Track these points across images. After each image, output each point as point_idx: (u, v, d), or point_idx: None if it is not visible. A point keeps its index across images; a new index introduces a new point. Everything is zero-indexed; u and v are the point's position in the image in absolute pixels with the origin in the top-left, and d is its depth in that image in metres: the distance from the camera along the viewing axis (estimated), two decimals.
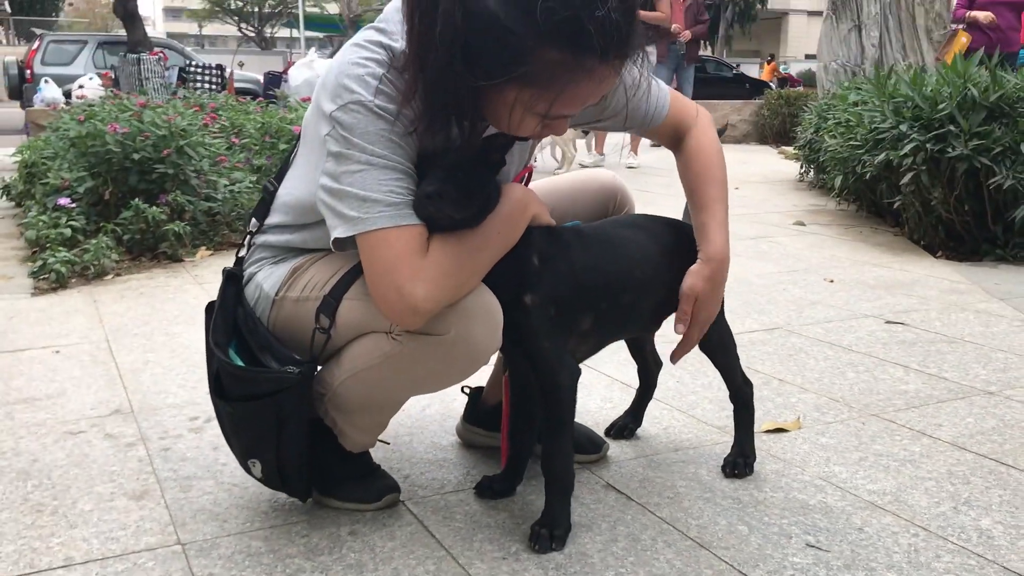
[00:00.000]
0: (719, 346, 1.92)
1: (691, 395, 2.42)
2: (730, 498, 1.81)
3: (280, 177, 1.72)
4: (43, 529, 1.67)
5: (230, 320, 1.68)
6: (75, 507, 1.76)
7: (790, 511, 1.75)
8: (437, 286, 1.45)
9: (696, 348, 1.81)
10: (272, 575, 1.52)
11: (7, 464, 1.96)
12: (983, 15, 6.92)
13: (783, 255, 4.43)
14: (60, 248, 3.93)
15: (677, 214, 1.95)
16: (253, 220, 1.74)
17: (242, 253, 1.74)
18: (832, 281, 3.86)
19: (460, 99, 1.39)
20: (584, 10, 1.28)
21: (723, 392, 1.99)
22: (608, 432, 2.11)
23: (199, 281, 3.78)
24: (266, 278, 1.70)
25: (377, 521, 1.70)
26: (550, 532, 1.60)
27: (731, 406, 1.97)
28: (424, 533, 1.66)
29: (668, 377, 2.46)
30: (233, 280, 1.72)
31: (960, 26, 6.98)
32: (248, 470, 1.69)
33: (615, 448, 2.05)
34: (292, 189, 1.66)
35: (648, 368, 2.12)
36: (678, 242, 1.80)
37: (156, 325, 3.11)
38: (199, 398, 2.38)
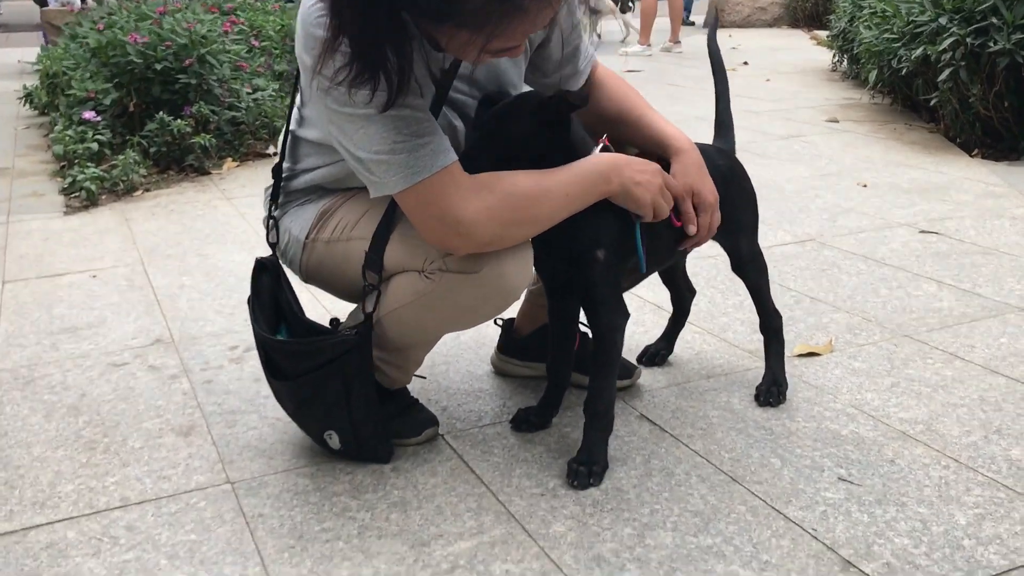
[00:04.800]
0: (750, 260, 1.92)
1: (722, 316, 2.43)
2: (763, 428, 1.84)
3: (288, 116, 1.72)
4: (98, 468, 1.74)
5: (271, 310, 1.72)
6: (126, 444, 1.82)
7: (822, 442, 1.78)
8: (480, 215, 1.46)
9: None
10: (320, 513, 1.57)
11: (57, 399, 2.02)
12: None
13: (815, 156, 4.36)
14: (88, 164, 3.94)
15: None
16: (272, 205, 1.76)
17: (272, 239, 1.77)
18: (865, 186, 3.80)
19: (388, 41, 1.33)
20: None
21: (753, 314, 2.00)
22: (640, 359, 2.14)
23: (227, 196, 3.79)
24: (293, 221, 1.72)
25: (419, 456, 1.75)
26: (588, 469, 1.65)
27: None
28: (464, 469, 1.71)
29: (699, 297, 2.47)
30: (264, 269, 1.74)
31: None
32: (325, 444, 1.72)
33: (648, 376, 2.08)
34: (311, 132, 1.66)
35: (681, 295, 2.13)
36: (717, 165, 1.80)
37: (188, 245, 3.14)
38: (236, 326, 2.42)
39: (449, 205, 1.45)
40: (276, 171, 1.72)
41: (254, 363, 2.18)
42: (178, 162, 4.24)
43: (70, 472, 1.72)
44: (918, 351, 2.19)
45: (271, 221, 1.73)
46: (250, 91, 4.62)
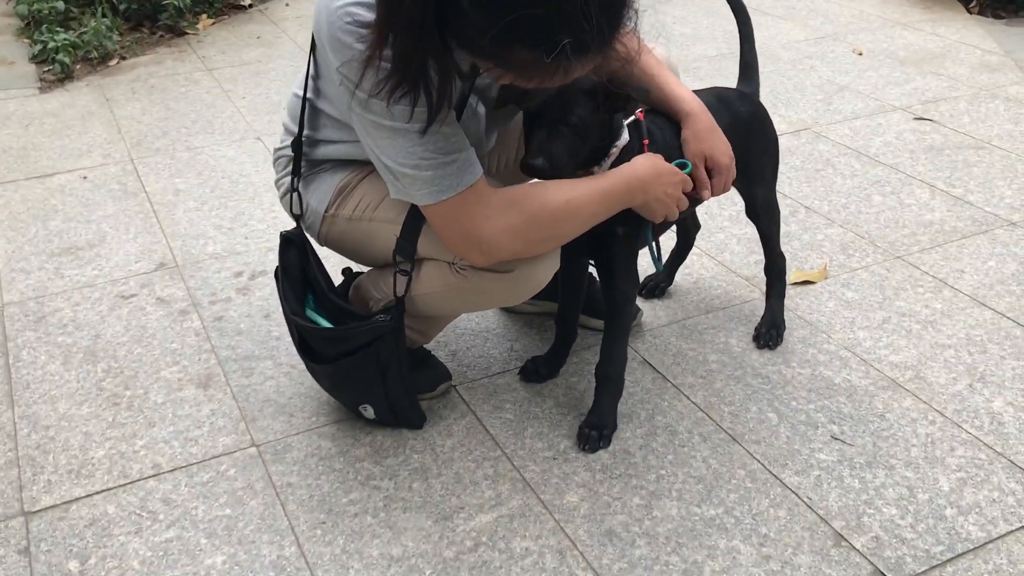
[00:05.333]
0: (765, 209, 1.97)
1: (719, 232, 2.46)
2: (760, 376, 1.93)
3: (305, 85, 1.67)
4: (124, 428, 1.80)
5: (299, 283, 1.72)
6: (148, 398, 1.88)
7: (816, 392, 1.87)
8: (504, 235, 1.48)
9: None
10: (346, 483, 1.67)
11: (72, 341, 2.06)
12: None
13: (810, 11, 4.24)
14: (57, 28, 3.77)
15: None
16: (289, 134, 1.71)
17: (284, 172, 1.74)
18: (861, 53, 3.74)
19: (431, 57, 1.30)
20: (558, 14, 1.16)
21: (750, 229, 2.04)
22: (640, 291, 2.19)
23: (208, 66, 3.67)
24: (311, 193, 1.71)
25: (434, 412, 1.83)
26: (599, 432, 1.74)
27: (759, 249, 2.05)
28: (478, 427, 1.79)
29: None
30: (291, 244, 1.73)
31: None
32: (360, 414, 1.78)
33: (649, 311, 2.14)
34: (330, 108, 1.62)
35: (687, 229, 2.16)
36: (738, 112, 1.82)
37: (176, 136, 3.07)
38: (237, 245, 2.43)
39: (473, 224, 1.46)
40: (296, 144, 1.68)
41: (260, 293, 2.22)
42: (151, 19, 4.06)
43: (98, 434, 1.79)
44: (909, 277, 2.26)
45: (295, 195, 1.71)
46: None
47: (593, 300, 2.05)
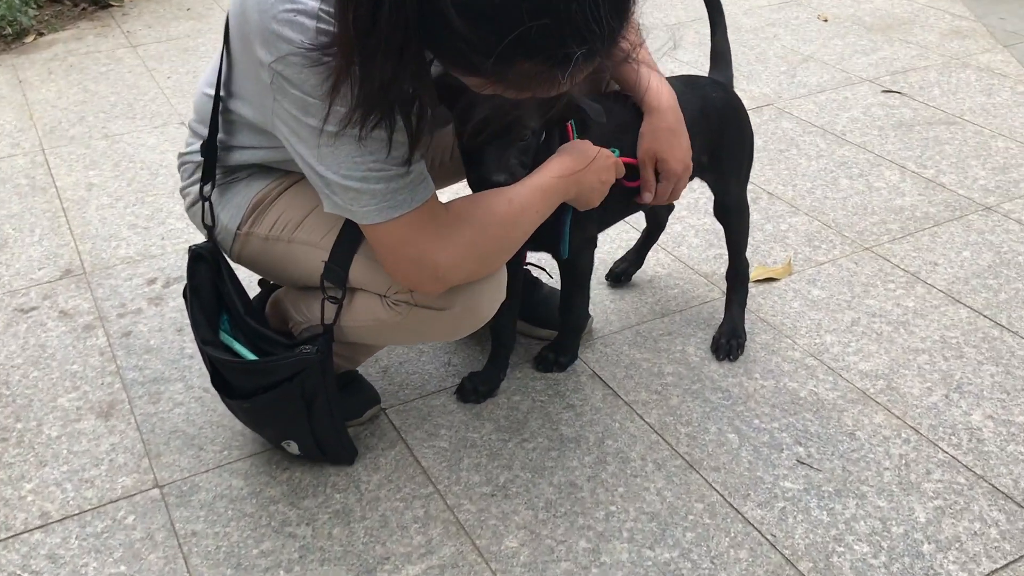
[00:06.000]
0: (736, 209, 1.84)
1: (676, 222, 2.29)
2: (720, 390, 1.76)
3: (217, 84, 1.44)
4: (12, 469, 1.61)
5: (211, 304, 1.52)
6: (41, 432, 1.69)
7: (780, 409, 1.71)
8: (461, 255, 1.33)
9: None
10: (257, 530, 1.48)
11: None
12: None
13: None
14: None
15: None
16: (197, 137, 1.49)
17: (192, 180, 1.53)
18: (826, 20, 3.56)
19: (409, 81, 1.12)
20: (567, 22, 0.98)
21: (709, 219, 1.90)
22: (607, 277, 2.05)
23: (132, 42, 3.42)
24: (222, 208, 1.51)
25: (360, 441, 1.65)
26: (556, 358, 1.79)
27: (719, 242, 1.93)
28: (409, 459, 1.61)
29: None
30: (201, 259, 1.51)
31: None
32: (284, 450, 1.59)
33: (600, 316, 1.96)
34: (246, 110, 1.40)
35: (656, 211, 2.00)
36: (711, 99, 1.70)
37: (93, 121, 2.84)
38: (152, 248, 2.22)
39: (428, 246, 1.28)
40: (207, 148, 1.46)
41: (175, 303, 2.02)
42: None
43: None
44: (879, 271, 2.10)
45: (207, 205, 1.49)
46: None
47: (537, 308, 1.87)
